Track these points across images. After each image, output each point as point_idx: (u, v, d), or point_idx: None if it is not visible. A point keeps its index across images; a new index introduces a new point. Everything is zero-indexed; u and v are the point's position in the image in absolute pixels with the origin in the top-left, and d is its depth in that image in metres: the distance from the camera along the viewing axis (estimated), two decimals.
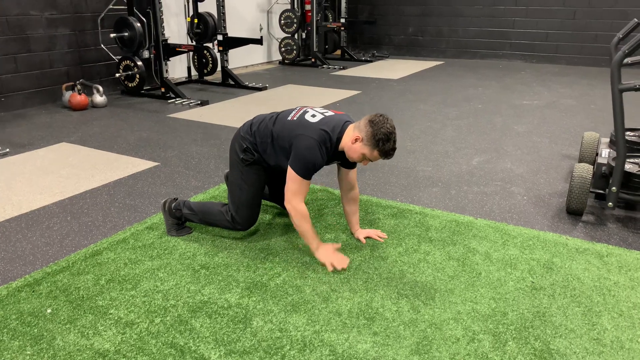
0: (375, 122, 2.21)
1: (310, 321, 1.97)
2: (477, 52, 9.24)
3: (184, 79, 7.14)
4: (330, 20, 9.20)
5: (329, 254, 2.33)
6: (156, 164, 3.80)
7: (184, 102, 5.77)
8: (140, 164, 3.78)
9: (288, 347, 1.83)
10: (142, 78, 5.98)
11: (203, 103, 5.72)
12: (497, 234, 2.67)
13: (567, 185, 3.38)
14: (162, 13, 5.76)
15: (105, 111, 5.45)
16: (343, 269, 2.29)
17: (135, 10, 5.83)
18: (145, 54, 6.01)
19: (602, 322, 1.97)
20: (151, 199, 3.16)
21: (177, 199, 2.70)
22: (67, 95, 5.51)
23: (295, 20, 8.46)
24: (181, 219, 2.68)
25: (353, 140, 2.26)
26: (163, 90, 5.97)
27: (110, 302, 2.09)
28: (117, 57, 6.04)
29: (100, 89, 5.61)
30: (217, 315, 2.00)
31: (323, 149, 2.26)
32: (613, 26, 8.12)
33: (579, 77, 7.49)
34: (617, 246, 2.57)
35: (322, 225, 2.78)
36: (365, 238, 2.60)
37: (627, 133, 3.36)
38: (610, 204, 2.76)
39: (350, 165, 2.51)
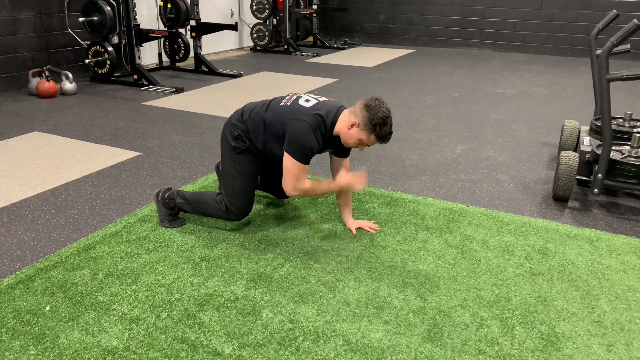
0: (371, 106, 2.22)
1: (320, 311, 1.97)
2: (447, 40, 9.35)
3: (154, 66, 6.93)
4: (302, 6, 9.10)
5: (345, 178, 2.39)
6: (138, 153, 3.68)
7: (158, 89, 5.61)
8: (122, 154, 3.66)
9: (301, 339, 1.82)
10: (113, 64, 5.78)
11: (178, 90, 5.58)
12: (491, 221, 2.73)
13: (549, 172, 3.47)
14: None
15: (76, 99, 5.25)
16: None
17: None
18: (115, 39, 5.81)
19: (600, 305, 2.04)
20: (138, 190, 3.07)
21: (170, 189, 2.63)
22: (34, 82, 5.27)
23: (267, 6, 8.33)
24: (174, 209, 2.62)
25: (349, 126, 2.25)
26: (135, 77, 5.79)
27: (111, 298, 2.02)
28: (86, 42, 5.81)
29: (70, 75, 5.39)
30: (225, 308, 1.97)
31: (318, 133, 2.25)
32: (578, 17, 8.36)
33: (547, 66, 7.69)
34: (604, 231, 2.66)
35: (317, 215, 2.77)
36: (356, 229, 2.60)
37: None
38: (595, 190, 2.85)
39: (343, 153, 2.50)
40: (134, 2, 5.61)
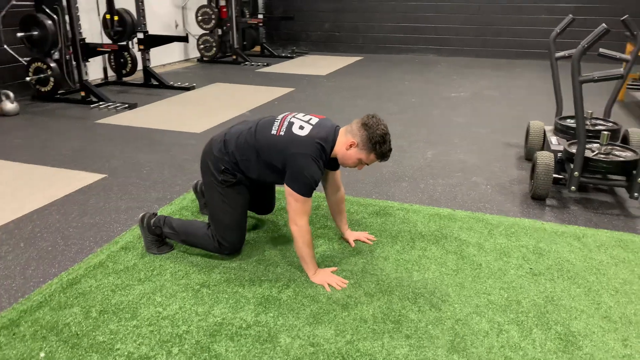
0: (369, 124, 2.16)
1: (338, 331, 1.90)
2: (392, 47, 9.53)
3: (99, 81, 6.59)
4: (248, 15, 8.99)
5: (326, 276, 2.23)
6: (103, 175, 3.46)
7: (109, 106, 5.33)
8: (85, 177, 3.43)
9: None
10: (57, 81, 5.43)
11: (131, 106, 5.32)
12: (480, 224, 2.76)
13: (521, 172, 3.58)
14: (77, 9, 5.27)
15: (20, 120, 4.89)
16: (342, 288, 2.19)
17: (43, 6, 5.28)
18: (56, 55, 5.48)
19: (604, 301, 2.11)
20: (112, 215, 2.88)
21: (156, 214, 2.48)
22: None
23: (213, 17, 8.15)
24: (161, 236, 2.47)
25: (347, 146, 2.19)
26: (83, 94, 5.47)
27: (112, 337, 1.86)
28: (25, 59, 5.44)
29: (11, 94, 5.02)
30: (239, 337, 1.86)
31: (320, 163, 2.17)
32: (512, 21, 8.77)
33: (489, 69, 7.99)
34: (586, 227, 2.77)
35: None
36: (354, 241, 2.56)
37: (568, 121, 3.63)
38: (573, 187, 2.96)
39: (335, 166, 2.45)
40: (78, 15, 5.31)
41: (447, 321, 1.97)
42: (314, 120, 2.26)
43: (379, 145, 2.15)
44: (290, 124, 2.22)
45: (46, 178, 3.42)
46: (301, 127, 2.20)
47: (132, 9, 6.24)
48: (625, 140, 3.47)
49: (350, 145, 2.18)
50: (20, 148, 4.03)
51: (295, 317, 1.98)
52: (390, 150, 2.20)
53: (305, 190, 2.15)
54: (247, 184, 2.36)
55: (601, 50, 3.49)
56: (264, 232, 2.68)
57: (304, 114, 2.31)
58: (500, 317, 1.99)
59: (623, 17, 3.48)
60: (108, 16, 5.85)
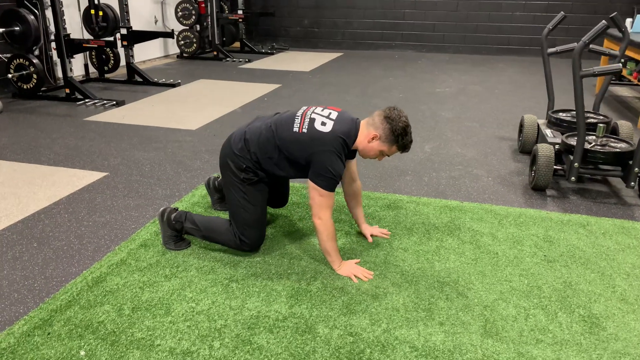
0: (391, 117, 2.22)
1: (373, 321, 1.95)
2: (371, 43, 9.61)
3: (81, 78, 6.44)
4: (227, 11, 8.91)
5: (351, 268, 2.27)
6: (104, 173, 3.41)
7: (96, 103, 5.22)
8: (86, 176, 3.37)
9: (369, 350, 1.79)
10: (40, 78, 5.29)
11: (119, 103, 5.23)
12: (489, 214, 2.85)
13: (517, 165, 3.70)
14: (62, 4, 5.13)
15: (4, 118, 4.74)
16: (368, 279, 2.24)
17: (25, 1, 5.13)
18: (37, 51, 5.33)
19: (618, 284, 2.22)
20: (123, 213, 2.85)
21: (177, 209, 2.47)
22: None
23: (193, 12, 8.06)
24: (181, 232, 2.46)
25: (370, 139, 2.23)
26: (68, 91, 5.34)
27: (150, 333, 1.86)
28: (5, 55, 5.28)
29: None
30: (277, 329, 1.89)
31: (343, 157, 2.21)
32: (490, 17, 8.97)
33: (469, 64, 8.16)
34: (588, 215, 2.89)
35: None
36: (371, 236, 2.59)
37: (561, 114, 3.77)
38: (573, 178, 3.08)
39: (352, 155, 2.47)
40: (63, 11, 5.17)
41: (476, 307, 2.03)
42: (334, 114, 2.29)
43: (401, 137, 2.20)
44: (312, 120, 2.24)
45: (45, 177, 3.34)
46: (323, 124, 2.22)
47: (112, 4, 6.11)
48: (615, 132, 3.63)
49: (373, 138, 2.22)
50: (10, 147, 3.91)
51: (328, 308, 2.02)
52: (411, 141, 2.26)
53: (330, 185, 2.19)
54: (267, 182, 2.38)
55: (592, 46, 3.63)
56: (281, 228, 2.70)
57: (322, 109, 2.32)
58: (525, 302, 2.07)
59: (612, 14, 3.62)
60: (92, 11, 5.71)
